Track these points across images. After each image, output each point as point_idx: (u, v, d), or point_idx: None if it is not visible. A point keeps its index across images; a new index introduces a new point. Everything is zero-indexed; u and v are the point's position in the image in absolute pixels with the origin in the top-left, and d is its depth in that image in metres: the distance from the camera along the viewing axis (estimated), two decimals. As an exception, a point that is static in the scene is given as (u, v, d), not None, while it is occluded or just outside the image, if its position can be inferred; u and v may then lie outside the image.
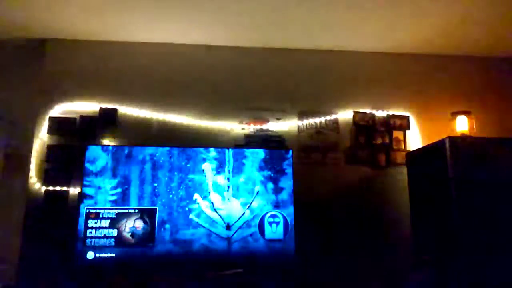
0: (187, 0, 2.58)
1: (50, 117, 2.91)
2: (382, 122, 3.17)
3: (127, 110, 3.01)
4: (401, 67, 3.33)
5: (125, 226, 2.42)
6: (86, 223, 2.40)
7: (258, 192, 2.56)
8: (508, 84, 3.37)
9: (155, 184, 2.50)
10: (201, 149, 2.60)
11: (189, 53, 3.17)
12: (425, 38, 3.09)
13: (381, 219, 2.98)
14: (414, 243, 2.77)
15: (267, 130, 3.08)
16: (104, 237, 2.40)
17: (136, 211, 2.45)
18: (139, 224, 2.43)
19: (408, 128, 3.18)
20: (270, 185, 2.58)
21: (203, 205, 2.50)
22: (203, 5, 2.64)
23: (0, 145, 2.92)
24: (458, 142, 2.40)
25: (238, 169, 2.58)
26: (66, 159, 2.84)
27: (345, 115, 3.18)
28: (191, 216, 2.48)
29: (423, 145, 3.04)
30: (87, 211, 2.42)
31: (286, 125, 3.11)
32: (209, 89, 3.12)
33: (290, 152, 2.68)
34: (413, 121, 3.22)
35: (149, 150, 2.55)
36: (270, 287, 2.44)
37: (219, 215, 2.50)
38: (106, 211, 2.43)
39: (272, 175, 2.60)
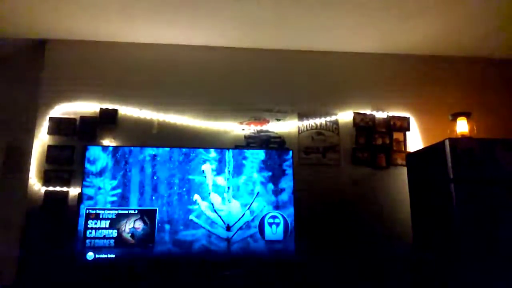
0: (188, 1, 2.58)
1: (50, 118, 2.91)
2: (382, 123, 3.17)
3: (127, 110, 3.01)
4: (401, 68, 3.33)
5: (125, 227, 2.42)
6: (86, 223, 2.40)
7: (258, 193, 2.56)
8: (508, 86, 3.37)
9: (155, 185, 2.49)
10: (201, 150, 2.60)
11: (189, 54, 3.17)
12: (425, 40, 3.10)
13: (381, 220, 2.97)
14: (415, 243, 2.77)
15: (267, 131, 3.08)
16: (104, 237, 2.40)
17: (136, 211, 2.45)
18: (139, 225, 2.43)
19: (408, 129, 3.18)
20: (270, 186, 2.58)
21: (203, 206, 2.50)
22: (204, 6, 2.64)
23: (0, 145, 2.91)
24: (458, 143, 2.40)
25: (238, 170, 2.58)
26: (66, 159, 2.84)
27: (345, 116, 3.18)
28: (191, 217, 2.48)
29: (423, 146, 3.04)
30: (87, 211, 2.42)
31: (286, 126, 3.11)
32: (209, 90, 3.12)
33: (290, 153, 2.67)
34: (413, 122, 3.22)
35: (149, 150, 2.55)
36: (270, 288, 2.44)
37: (219, 216, 2.50)
38: (106, 211, 2.43)
39: (272, 176, 2.59)
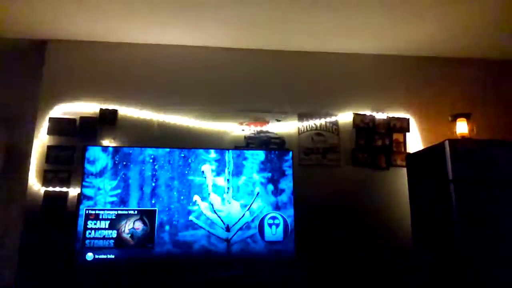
0: (187, 1, 2.58)
1: (50, 118, 2.91)
2: (382, 124, 3.17)
3: (127, 111, 3.01)
4: (401, 69, 3.33)
5: (124, 227, 2.42)
6: (85, 224, 2.40)
7: (258, 193, 2.56)
8: (508, 87, 3.37)
9: (155, 185, 2.49)
10: (201, 151, 2.60)
11: (189, 55, 3.17)
12: (426, 41, 3.09)
13: (381, 221, 2.97)
14: (415, 244, 2.77)
15: (267, 131, 3.08)
16: (104, 238, 2.39)
17: (136, 212, 2.45)
18: (139, 226, 2.43)
19: (408, 130, 3.18)
20: (270, 187, 2.58)
21: (203, 206, 2.50)
22: (204, 7, 2.64)
23: (0, 145, 2.91)
24: (458, 144, 2.40)
25: (238, 170, 2.57)
26: (66, 159, 2.84)
27: (345, 117, 3.18)
28: (190, 217, 2.48)
29: (423, 147, 3.04)
30: (87, 212, 2.42)
31: (286, 127, 3.11)
32: (209, 91, 3.12)
33: (290, 153, 2.67)
34: (413, 123, 3.22)
35: (149, 151, 2.55)
36: (269, 289, 2.44)
37: (219, 217, 2.50)
38: (106, 212, 2.43)
39: (272, 176, 2.59)
